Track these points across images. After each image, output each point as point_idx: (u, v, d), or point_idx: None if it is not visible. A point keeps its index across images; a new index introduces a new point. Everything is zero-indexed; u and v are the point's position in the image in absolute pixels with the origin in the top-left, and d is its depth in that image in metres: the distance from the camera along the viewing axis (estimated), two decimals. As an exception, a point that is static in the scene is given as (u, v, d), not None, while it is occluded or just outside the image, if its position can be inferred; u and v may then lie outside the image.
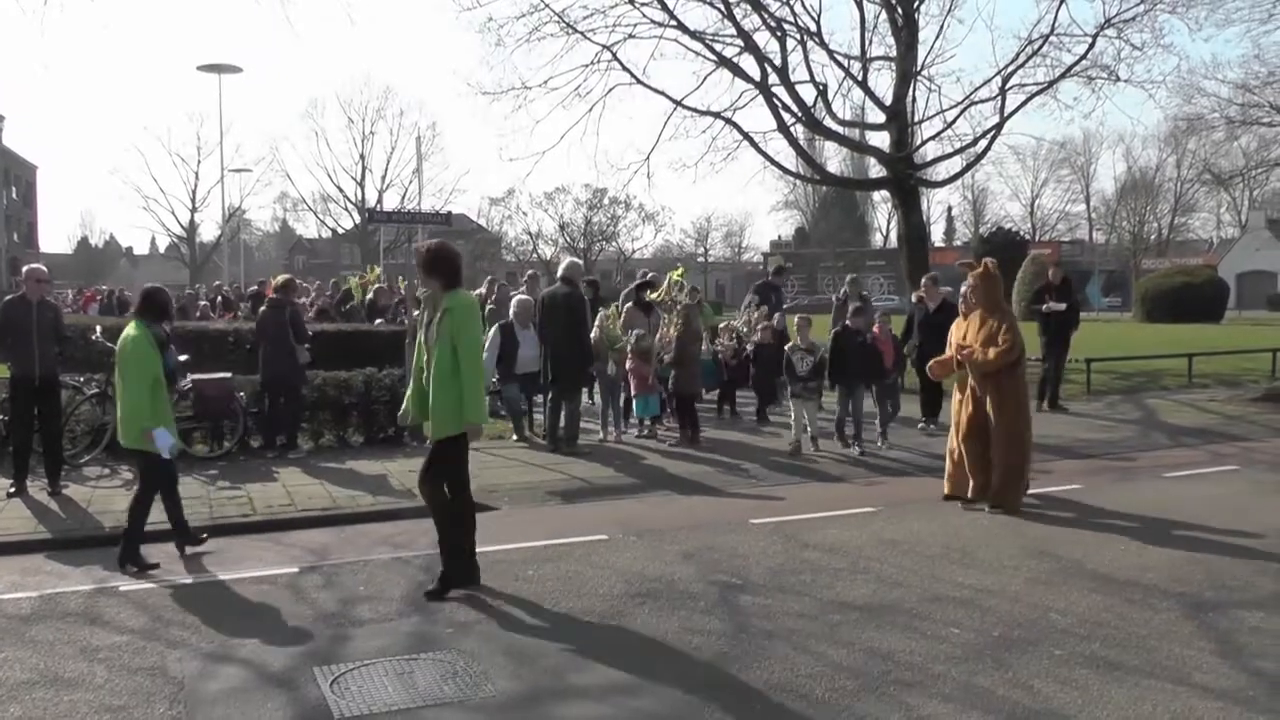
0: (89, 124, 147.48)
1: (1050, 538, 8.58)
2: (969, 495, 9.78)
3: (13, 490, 10.06)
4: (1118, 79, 22.24)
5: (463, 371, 6.93)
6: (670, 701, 5.36)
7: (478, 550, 7.73)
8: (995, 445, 9.61)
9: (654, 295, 14.25)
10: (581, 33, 21.68)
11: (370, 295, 21.56)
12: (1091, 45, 21.97)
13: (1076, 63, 22.22)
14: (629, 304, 14.12)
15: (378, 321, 19.24)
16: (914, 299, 15.17)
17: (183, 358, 12.79)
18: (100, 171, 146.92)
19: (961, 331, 10.11)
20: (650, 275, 15.27)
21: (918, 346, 13.89)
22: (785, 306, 17.50)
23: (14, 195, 69.94)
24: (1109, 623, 6.48)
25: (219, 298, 27.23)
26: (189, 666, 5.90)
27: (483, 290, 18.07)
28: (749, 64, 22.40)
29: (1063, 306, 16.71)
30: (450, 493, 7.32)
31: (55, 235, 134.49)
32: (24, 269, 10.95)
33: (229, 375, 12.51)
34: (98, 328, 14.27)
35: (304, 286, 25.05)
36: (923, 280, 14.83)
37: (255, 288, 27.54)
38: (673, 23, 21.81)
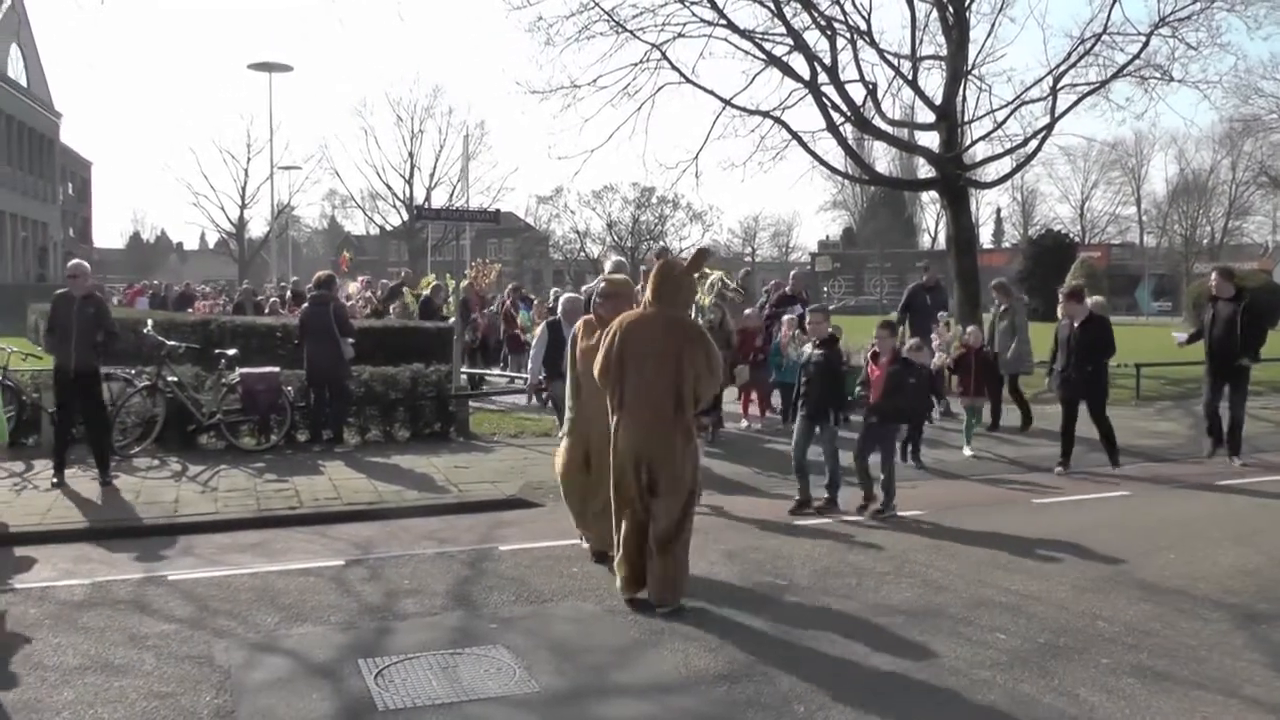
0: (142, 122, 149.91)
1: (1098, 544, 8.46)
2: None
3: (55, 481, 10.22)
4: (1172, 79, 21.99)
5: None
6: (713, 700, 5.35)
7: (521, 547, 7.78)
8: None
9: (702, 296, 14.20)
10: (631, 31, 21.74)
11: (427, 293, 21.61)
12: (1145, 44, 21.75)
13: (1130, 62, 22.00)
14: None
15: (451, 320, 19.21)
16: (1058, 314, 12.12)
17: (231, 351, 12.96)
18: (152, 168, 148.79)
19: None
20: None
21: (1062, 373, 11.66)
22: (943, 313, 16.26)
23: (69, 191, 70.92)
24: (1157, 632, 6.40)
25: (290, 294, 26.54)
26: (235, 656, 5.96)
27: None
28: (798, 63, 22.36)
29: (1184, 338, 12.93)
30: None
31: (109, 231, 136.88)
32: (67, 265, 11.09)
33: (276, 370, 12.63)
34: (149, 321, 14.46)
35: (358, 290, 25.05)
36: (1060, 293, 12.13)
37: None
38: (722, 21, 21.80)
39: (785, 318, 14.22)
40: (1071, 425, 11.66)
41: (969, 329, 12.63)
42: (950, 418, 14.43)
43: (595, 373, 7.06)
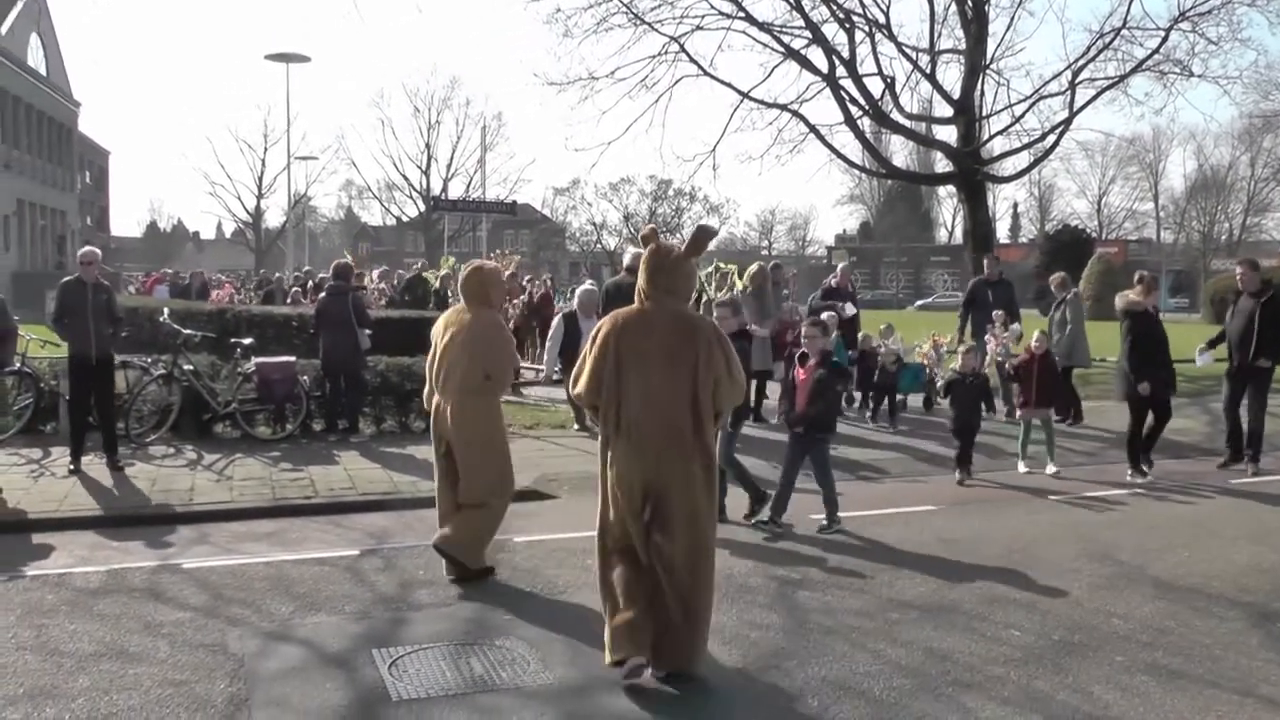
0: (160, 111, 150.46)
1: (1113, 542, 8.44)
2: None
3: (72, 468, 10.28)
4: (1191, 74, 21.93)
5: None
6: (727, 694, 5.36)
7: (536, 539, 7.78)
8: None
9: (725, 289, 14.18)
10: (649, 24, 21.78)
11: (438, 284, 21.56)
12: (1164, 39, 21.70)
13: (1149, 57, 21.95)
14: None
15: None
16: (1117, 302, 11.53)
17: (247, 340, 13.00)
18: (170, 158, 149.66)
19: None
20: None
21: (1140, 368, 10.86)
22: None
23: (88, 180, 71.08)
24: (1172, 630, 6.37)
25: (310, 283, 25.79)
26: (249, 644, 5.98)
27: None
28: (816, 56, 22.40)
29: (1207, 357, 12.23)
30: None
31: (126, 219, 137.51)
32: (78, 252, 11.16)
33: (292, 359, 12.65)
34: (166, 310, 14.51)
35: (376, 282, 24.93)
36: (1137, 276, 11.42)
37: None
38: (740, 14, 21.83)
39: (825, 313, 14.07)
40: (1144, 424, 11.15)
41: (1036, 334, 11.79)
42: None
43: (580, 388, 5.68)
